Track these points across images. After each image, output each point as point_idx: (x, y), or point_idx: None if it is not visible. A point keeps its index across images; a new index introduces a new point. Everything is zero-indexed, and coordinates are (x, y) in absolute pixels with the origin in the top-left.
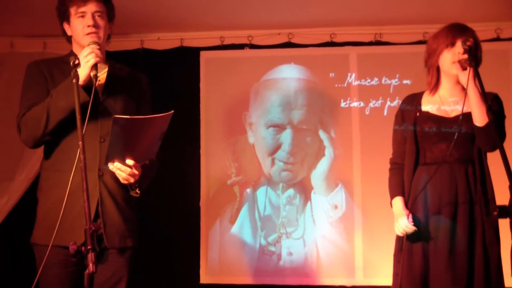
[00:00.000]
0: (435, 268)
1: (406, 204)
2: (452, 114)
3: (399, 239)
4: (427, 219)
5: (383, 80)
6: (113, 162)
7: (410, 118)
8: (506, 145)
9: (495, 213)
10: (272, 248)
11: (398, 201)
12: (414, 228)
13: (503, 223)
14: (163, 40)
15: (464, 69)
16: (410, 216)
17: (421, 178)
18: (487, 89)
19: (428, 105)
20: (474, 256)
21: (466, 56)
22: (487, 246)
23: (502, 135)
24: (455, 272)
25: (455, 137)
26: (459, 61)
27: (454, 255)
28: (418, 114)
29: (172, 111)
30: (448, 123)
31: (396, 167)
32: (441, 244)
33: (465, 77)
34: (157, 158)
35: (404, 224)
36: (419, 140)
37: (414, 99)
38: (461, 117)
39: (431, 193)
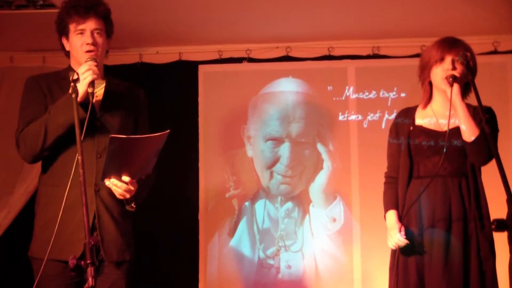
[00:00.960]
0: (430, 281)
1: (400, 217)
2: (445, 128)
3: (393, 253)
4: (421, 233)
5: (381, 93)
6: (110, 178)
7: (404, 132)
8: (502, 158)
9: (493, 226)
10: (271, 261)
11: (392, 215)
12: (406, 241)
13: (500, 237)
14: (161, 54)
15: (451, 85)
16: (403, 229)
17: (414, 191)
18: (485, 101)
19: (422, 119)
20: (469, 270)
21: (451, 73)
22: (482, 260)
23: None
24: (450, 285)
25: (444, 150)
26: (446, 78)
27: (450, 269)
28: (411, 128)
29: (168, 130)
30: (441, 137)
31: (390, 180)
32: (436, 257)
33: (452, 93)
34: (154, 172)
35: (396, 237)
36: (413, 154)
37: (407, 113)
38: (448, 131)
39: (425, 207)
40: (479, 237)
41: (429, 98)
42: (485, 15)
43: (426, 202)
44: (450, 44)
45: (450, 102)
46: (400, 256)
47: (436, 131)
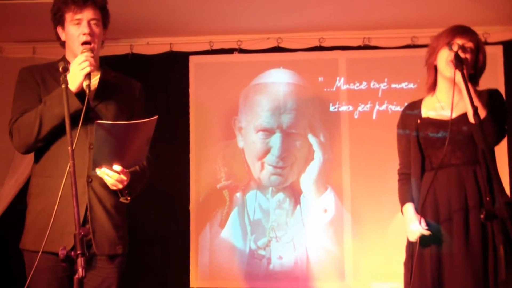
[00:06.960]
0: (452, 272)
1: (416, 210)
2: (452, 116)
3: (409, 246)
4: (438, 224)
5: (371, 84)
6: (101, 167)
7: (412, 126)
8: (496, 149)
9: (482, 216)
10: (262, 252)
11: (409, 207)
12: (428, 232)
13: None
14: (152, 45)
15: (456, 67)
16: (423, 220)
17: (428, 183)
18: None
19: (428, 110)
20: (487, 260)
21: (459, 55)
22: (496, 246)
23: (501, 132)
24: (473, 274)
25: (447, 140)
26: (452, 61)
27: (471, 258)
28: (419, 121)
29: (156, 117)
30: (448, 126)
31: (404, 177)
32: (457, 247)
33: (457, 76)
34: (150, 165)
35: (417, 229)
36: (424, 147)
37: (414, 107)
38: (451, 121)
39: (441, 198)
40: (492, 223)
41: (433, 84)
42: (475, 6)
43: (441, 193)
44: (463, 31)
45: (454, 83)
46: (418, 248)
47: (443, 121)
